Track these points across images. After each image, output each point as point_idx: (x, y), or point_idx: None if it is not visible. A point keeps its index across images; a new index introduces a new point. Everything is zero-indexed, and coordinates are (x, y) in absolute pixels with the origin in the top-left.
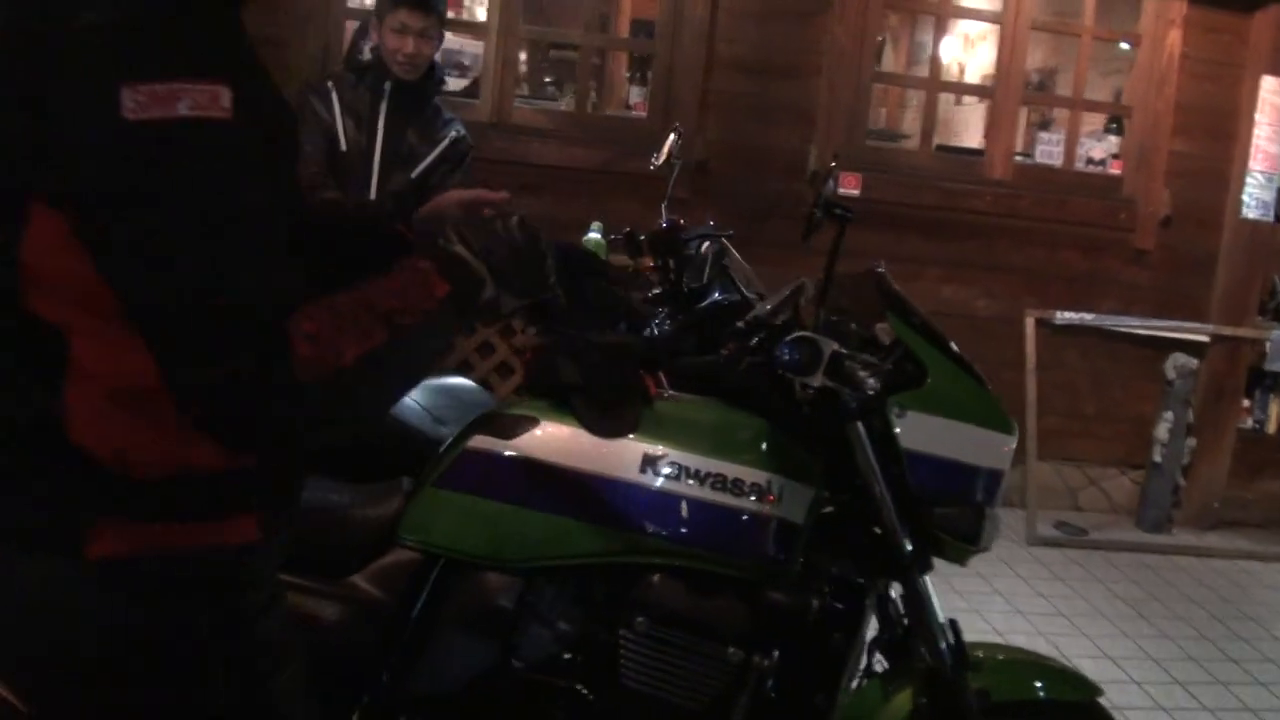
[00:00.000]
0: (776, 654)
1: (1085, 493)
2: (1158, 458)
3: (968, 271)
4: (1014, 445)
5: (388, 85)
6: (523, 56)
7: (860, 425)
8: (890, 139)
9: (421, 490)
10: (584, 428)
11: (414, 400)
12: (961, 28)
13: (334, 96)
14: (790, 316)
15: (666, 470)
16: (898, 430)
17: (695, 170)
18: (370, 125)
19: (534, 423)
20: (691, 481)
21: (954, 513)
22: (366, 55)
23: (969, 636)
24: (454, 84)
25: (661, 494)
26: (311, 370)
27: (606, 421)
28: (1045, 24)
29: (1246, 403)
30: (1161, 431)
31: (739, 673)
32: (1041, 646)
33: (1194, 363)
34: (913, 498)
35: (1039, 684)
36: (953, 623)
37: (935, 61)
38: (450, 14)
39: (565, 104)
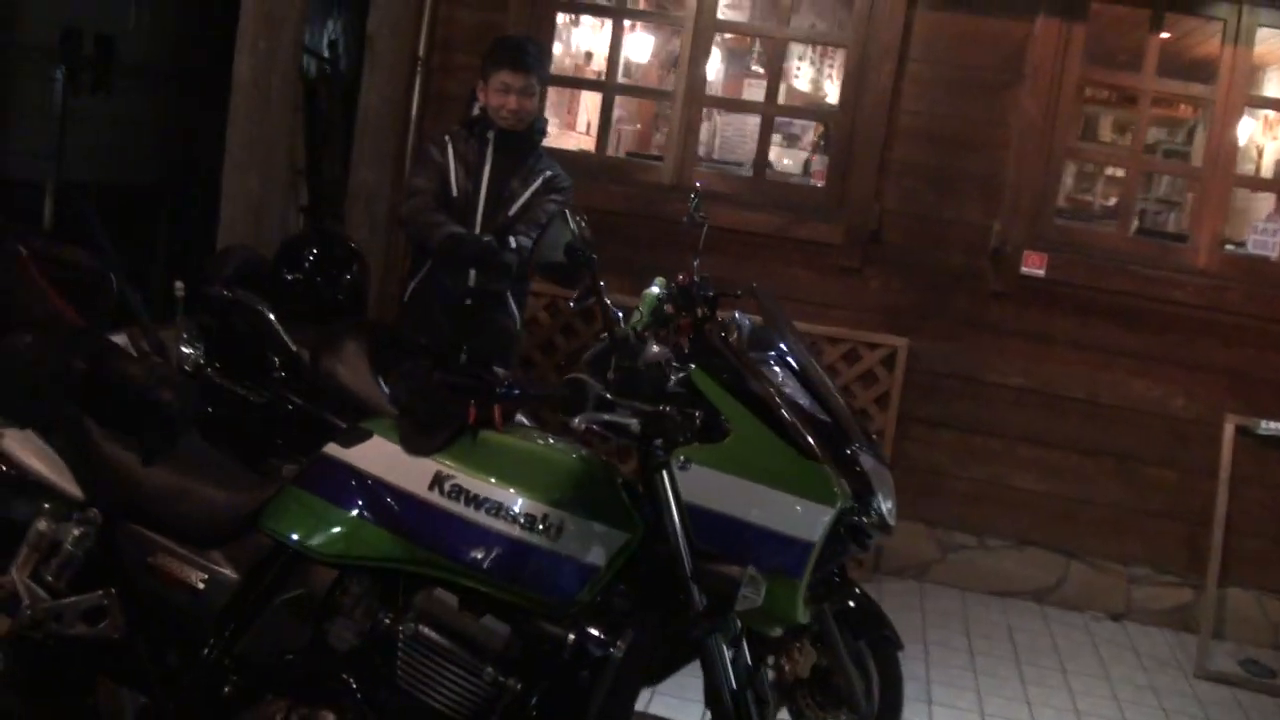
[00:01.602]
0: (521, 682)
1: None
2: None
3: (1163, 367)
4: (830, 517)
5: (491, 136)
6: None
7: (664, 474)
8: (1085, 218)
9: (284, 487)
10: (401, 445)
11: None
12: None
13: (449, 148)
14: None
15: (448, 490)
16: (675, 480)
17: (868, 239)
18: (477, 172)
19: (369, 435)
20: (468, 505)
21: (711, 570)
22: (476, 112)
23: None
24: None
25: (441, 512)
26: None
27: (416, 440)
28: (1260, 100)
29: None
30: None
31: (492, 692)
32: None
33: None
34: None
35: None
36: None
37: (1137, 138)
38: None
39: (746, 169)
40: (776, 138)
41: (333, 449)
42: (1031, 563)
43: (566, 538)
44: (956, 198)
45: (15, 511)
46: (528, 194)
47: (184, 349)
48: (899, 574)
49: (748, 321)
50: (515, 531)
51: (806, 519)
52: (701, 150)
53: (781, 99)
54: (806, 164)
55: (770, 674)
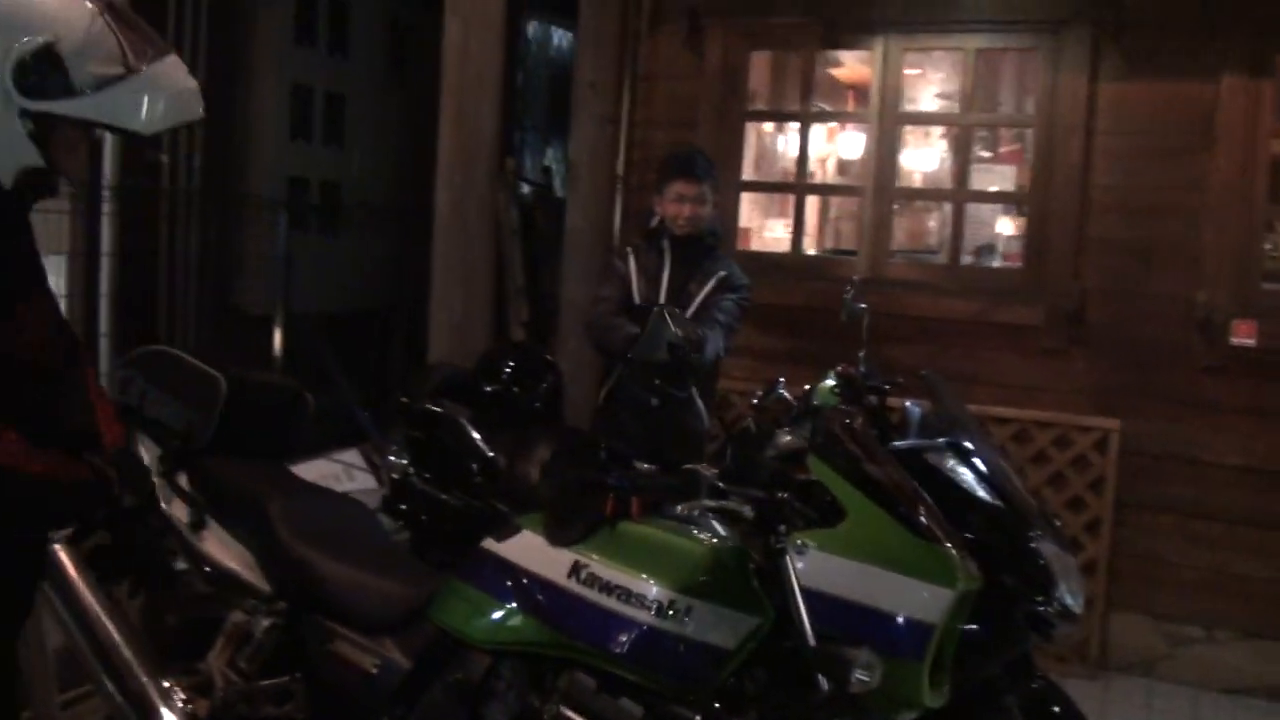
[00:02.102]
0: None
1: None
2: None
3: None
4: (948, 598)
5: (667, 244)
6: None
7: (784, 559)
8: None
9: (448, 579)
10: (545, 537)
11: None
12: None
13: (631, 259)
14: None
15: (584, 578)
16: (795, 566)
17: (1070, 319)
18: (656, 279)
19: (519, 530)
20: (602, 592)
21: (830, 651)
22: (654, 224)
23: None
24: None
25: (578, 599)
26: None
27: (558, 532)
28: None
29: None
30: None
31: None
32: None
33: None
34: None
35: None
36: None
37: None
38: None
39: (941, 257)
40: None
41: (488, 543)
42: (1262, 656)
43: (696, 623)
44: (1158, 270)
45: (215, 608)
46: (703, 294)
47: (393, 459)
48: (1126, 670)
49: (918, 409)
50: (646, 617)
51: (925, 601)
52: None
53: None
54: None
55: None
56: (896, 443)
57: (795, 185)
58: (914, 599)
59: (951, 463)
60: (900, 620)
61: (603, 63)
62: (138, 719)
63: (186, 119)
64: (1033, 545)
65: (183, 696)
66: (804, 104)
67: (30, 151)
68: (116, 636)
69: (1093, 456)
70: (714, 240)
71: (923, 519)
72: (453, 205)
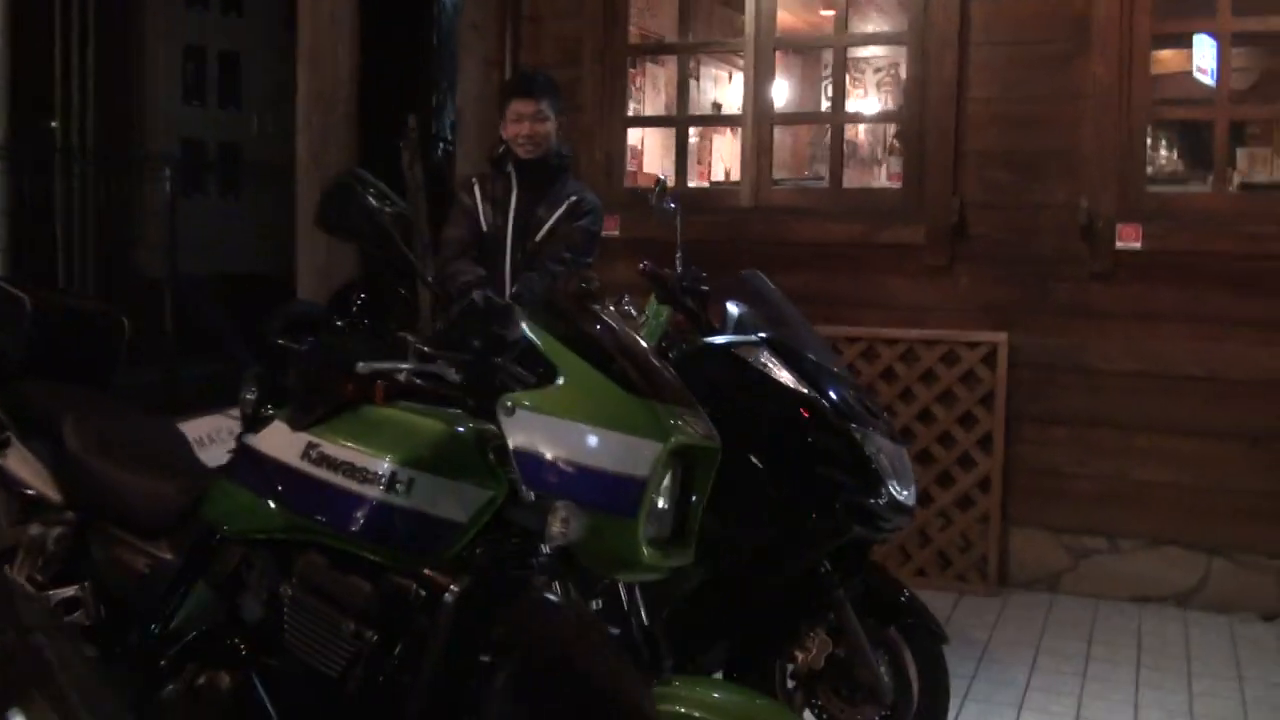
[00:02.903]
0: (378, 635)
1: None
2: None
3: None
4: (657, 450)
5: (513, 169)
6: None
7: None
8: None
9: (217, 478)
10: (286, 423)
11: None
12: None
13: (476, 189)
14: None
15: (315, 457)
16: (505, 428)
17: (953, 234)
18: (504, 207)
19: (271, 420)
20: (331, 470)
21: (523, 507)
22: (500, 150)
23: None
24: None
25: (308, 478)
26: None
27: (298, 416)
28: None
29: None
30: None
31: (354, 646)
32: None
33: None
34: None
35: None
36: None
37: (1223, 81)
38: None
39: (823, 182)
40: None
41: (246, 437)
42: (1170, 563)
43: (424, 496)
44: (1039, 180)
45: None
46: (553, 219)
47: (246, 395)
48: (1029, 587)
49: (738, 309)
50: (373, 492)
51: (633, 455)
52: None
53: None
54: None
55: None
56: (708, 339)
57: (676, 119)
58: (622, 454)
59: (765, 358)
60: (609, 475)
61: (485, 3)
62: None
63: None
64: (852, 434)
65: None
66: (681, 35)
67: None
68: None
69: (981, 371)
70: (561, 161)
71: (633, 375)
72: (311, 150)
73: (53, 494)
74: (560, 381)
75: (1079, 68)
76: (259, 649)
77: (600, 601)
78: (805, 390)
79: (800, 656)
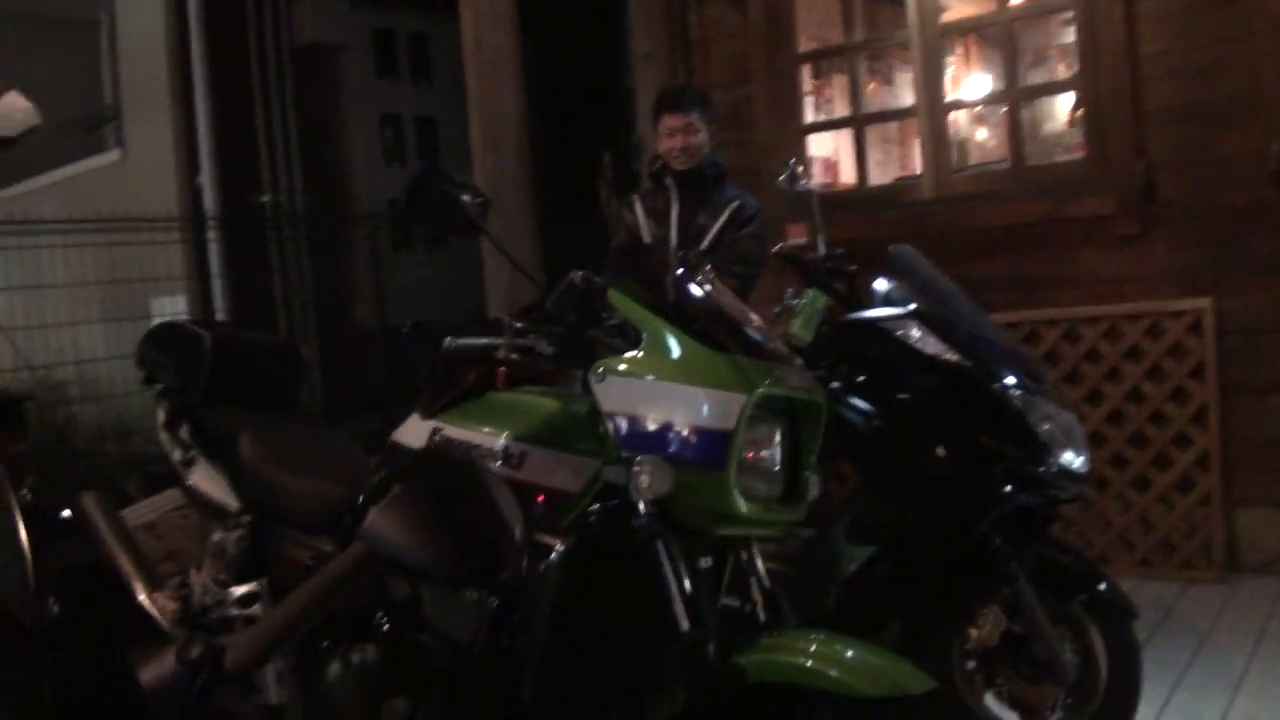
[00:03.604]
0: (500, 599)
1: None
2: None
3: None
4: (742, 403)
5: (671, 182)
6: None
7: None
8: None
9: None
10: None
11: None
12: None
13: (637, 205)
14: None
15: (438, 441)
16: (597, 394)
17: (1142, 199)
18: (665, 219)
19: (411, 414)
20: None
21: (618, 469)
22: (656, 166)
23: None
24: None
25: None
26: None
27: (426, 405)
28: None
29: None
30: None
31: (479, 611)
32: None
33: None
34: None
35: (832, 671)
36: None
37: None
38: None
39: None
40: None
41: (394, 433)
42: None
43: (537, 469)
44: (1226, 130)
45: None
46: (716, 227)
47: None
48: (1262, 570)
49: (886, 285)
50: (491, 467)
51: (720, 409)
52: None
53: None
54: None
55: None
56: (853, 315)
57: (852, 119)
58: (709, 408)
59: (915, 329)
60: (697, 430)
61: (655, 34)
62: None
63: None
64: (1011, 402)
65: (168, 604)
66: (847, 35)
67: None
68: (122, 560)
69: (1189, 341)
70: (716, 170)
71: (718, 334)
72: (487, 186)
73: (231, 502)
74: (647, 345)
75: (1251, 5)
76: (406, 624)
77: (710, 559)
78: (959, 360)
79: (974, 634)
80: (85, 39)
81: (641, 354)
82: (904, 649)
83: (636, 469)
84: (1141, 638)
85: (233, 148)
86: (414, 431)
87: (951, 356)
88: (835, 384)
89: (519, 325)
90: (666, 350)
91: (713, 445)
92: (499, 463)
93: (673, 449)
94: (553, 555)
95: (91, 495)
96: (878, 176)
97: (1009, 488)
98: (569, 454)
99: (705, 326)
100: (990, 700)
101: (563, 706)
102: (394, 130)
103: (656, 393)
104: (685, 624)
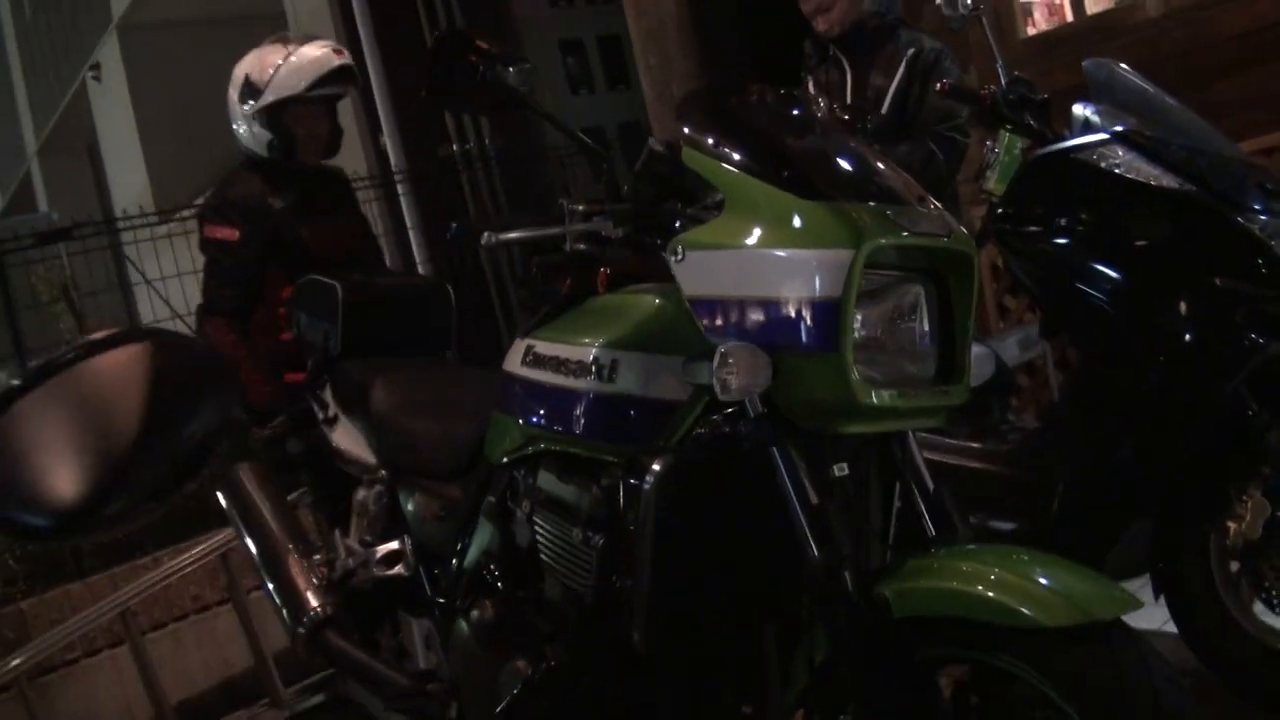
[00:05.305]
0: (605, 538)
1: None
2: None
3: None
4: (847, 260)
5: (833, 49)
6: None
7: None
8: None
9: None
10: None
11: None
12: None
13: (811, 86)
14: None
15: (530, 360)
16: (677, 276)
17: None
18: (840, 90)
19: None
20: (539, 369)
21: (701, 367)
22: (809, 45)
23: None
24: None
25: (527, 382)
26: None
27: (524, 324)
28: None
29: None
30: None
31: (586, 552)
32: None
33: None
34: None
35: (1001, 598)
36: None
37: None
38: None
39: None
40: None
41: (504, 360)
42: None
43: (633, 379)
44: None
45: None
46: (894, 86)
47: None
48: None
49: (1086, 109)
50: (580, 384)
51: (823, 272)
52: None
53: None
54: None
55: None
56: (1040, 150)
57: None
58: (808, 274)
59: (1121, 155)
60: (797, 304)
61: None
62: (282, 600)
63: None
64: (1244, 226)
65: (320, 571)
66: None
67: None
68: (275, 529)
69: None
70: (880, 22)
71: (812, 174)
72: (655, 89)
73: (369, 458)
74: (729, 207)
75: None
76: (529, 573)
77: (846, 466)
78: (1180, 184)
79: (1233, 527)
80: (275, 27)
81: (721, 220)
82: (1154, 559)
83: (718, 361)
84: None
85: (403, 100)
86: (513, 354)
87: (1170, 181)
88: (1033, 228)
89: (580, 209)
90: (752, 208)
91: (819, 320)
92: (592, 377)
93: (770, 332)
94: (647, 478)
95: (247, 465)
96: (1093, 5)
97: (1256, 335)
98: (671, 357)
99: (790, 166)
100: (1261, 610)
101: (678, 654)
102: (577, 57)
103: (742, 264)
104: (814, 548)
